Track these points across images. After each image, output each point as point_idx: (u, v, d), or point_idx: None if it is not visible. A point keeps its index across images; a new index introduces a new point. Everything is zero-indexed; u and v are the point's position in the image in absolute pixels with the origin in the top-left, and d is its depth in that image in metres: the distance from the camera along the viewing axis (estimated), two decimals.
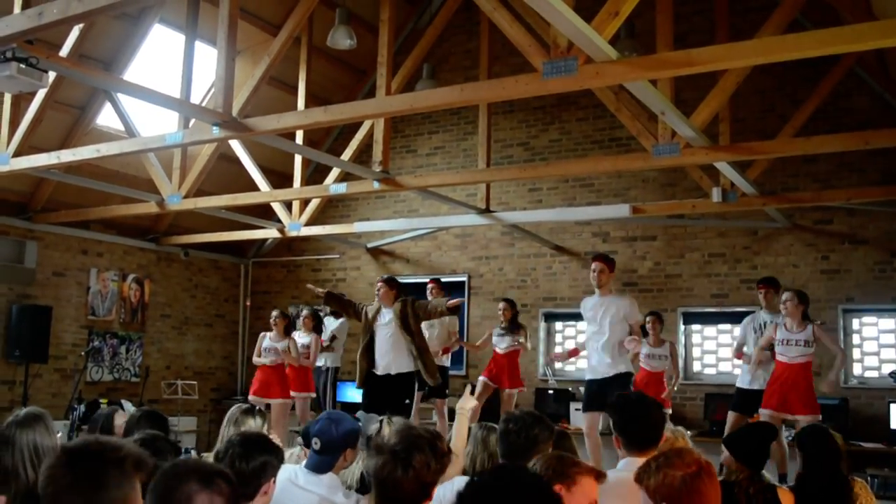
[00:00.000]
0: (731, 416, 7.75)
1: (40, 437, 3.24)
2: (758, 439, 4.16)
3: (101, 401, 9.71)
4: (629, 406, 3.41)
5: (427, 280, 9.70)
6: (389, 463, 2.57)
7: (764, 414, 7.10)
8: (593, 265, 7.34)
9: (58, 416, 9.54)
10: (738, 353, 8.03)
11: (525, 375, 10.69)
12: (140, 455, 1.95)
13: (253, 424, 4.34)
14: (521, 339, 9.10)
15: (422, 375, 7.76)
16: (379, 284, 8.01)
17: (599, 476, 2.88)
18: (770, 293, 7.83)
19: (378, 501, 2.68)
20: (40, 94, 8.11)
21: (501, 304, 9.34)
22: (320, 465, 3.57)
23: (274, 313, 9.42)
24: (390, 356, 7.82)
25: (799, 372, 7.08)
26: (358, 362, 8.04)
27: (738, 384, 7.86)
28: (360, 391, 8.15)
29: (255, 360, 9.32)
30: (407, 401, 7.75)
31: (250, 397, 9.05)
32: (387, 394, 7.68)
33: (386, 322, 7.88)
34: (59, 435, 3.48)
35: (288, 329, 9.41)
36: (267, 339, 9.29)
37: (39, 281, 10.35)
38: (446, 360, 9.39)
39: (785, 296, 7.32)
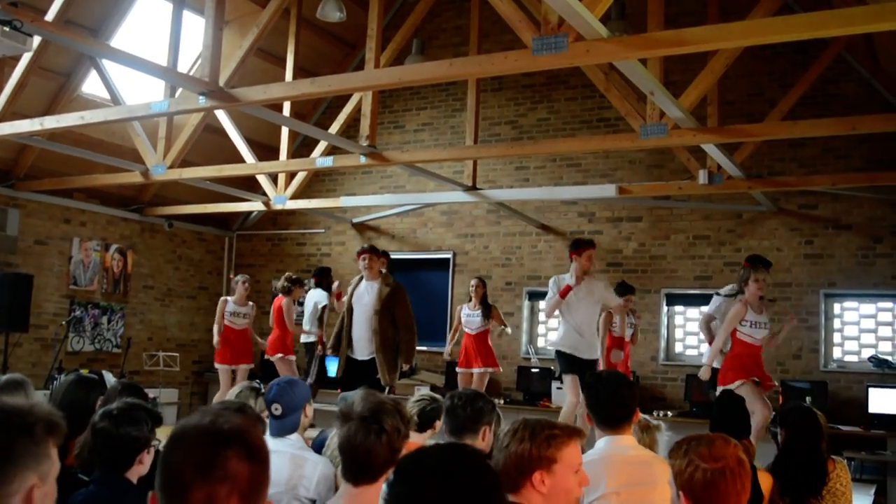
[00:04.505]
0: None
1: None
2: (734, 408, 4.35)
3: (82, 371, 9.68)
4: (601, 385, 3.44)
5: (414, 255, 9.61)
6: (361, 430, 2.48)
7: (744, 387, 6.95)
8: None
9: (38, 386, 9.48)
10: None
11: (508, 354, 10.75)
12: (51, 417, 1.64)
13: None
14: (501, 327, 9.20)
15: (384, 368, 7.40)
16: (364, 255, 7.75)
17: (578, 434, 2.59)
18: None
19: (347, 471, 2.55)
20: (24, 60, 7.98)
21: (473, 282, 9.45)
22: (285, 427, 3.63)
23: (241, 278, 9.74)
24: (366, 337, 7.53)
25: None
26: (333, 348, 7.80)
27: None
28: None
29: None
30: (378, 376, 7.45)
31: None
32: (360, 375, 7.26)
33: (367, 300, 7.58)
34: None
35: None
36: (231, 304, 9.61)
37: (21, 249, 10.27)
38: None
39: (761, 275, 7.20)
